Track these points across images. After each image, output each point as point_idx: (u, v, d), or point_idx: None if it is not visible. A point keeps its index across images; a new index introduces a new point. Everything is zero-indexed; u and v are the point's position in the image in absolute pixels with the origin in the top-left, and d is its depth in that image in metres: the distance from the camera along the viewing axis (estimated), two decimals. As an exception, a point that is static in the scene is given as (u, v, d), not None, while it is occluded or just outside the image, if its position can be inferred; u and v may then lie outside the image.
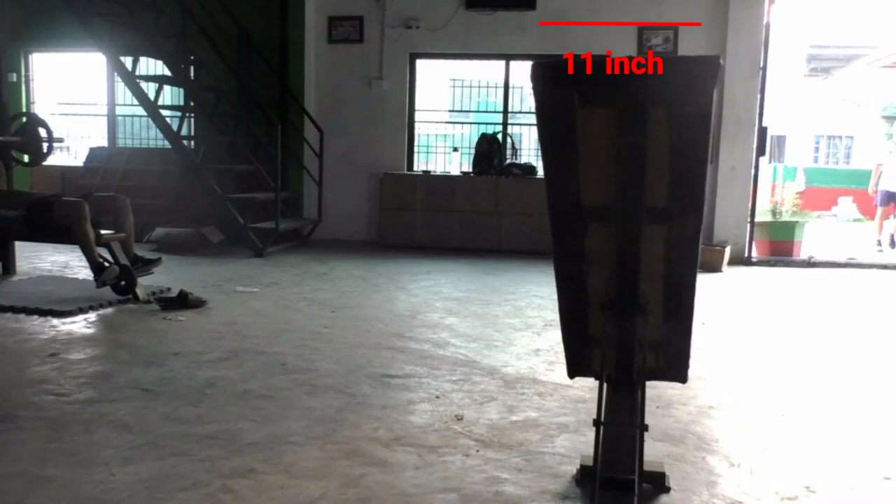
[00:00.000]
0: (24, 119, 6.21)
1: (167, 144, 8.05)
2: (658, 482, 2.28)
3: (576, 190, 1.60)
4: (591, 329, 1.87)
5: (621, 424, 1.83)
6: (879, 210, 10.89)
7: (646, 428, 1.86)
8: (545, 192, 1.64)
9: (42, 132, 5.77)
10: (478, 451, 2.65)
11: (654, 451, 2.62)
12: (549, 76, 1.48)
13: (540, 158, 1.99)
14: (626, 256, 1.68)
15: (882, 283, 7.28)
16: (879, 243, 10.56)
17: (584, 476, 2.21)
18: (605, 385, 1.80)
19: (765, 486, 2.38)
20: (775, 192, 18.18)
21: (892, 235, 10.67)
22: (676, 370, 1.95)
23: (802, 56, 30.28)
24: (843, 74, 34.13)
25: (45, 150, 5.78)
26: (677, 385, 3.43)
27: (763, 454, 2.66)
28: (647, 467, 2.30)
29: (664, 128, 1.47)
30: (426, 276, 6.57)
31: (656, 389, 3.33)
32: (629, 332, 1.83)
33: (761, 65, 7.94)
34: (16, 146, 5.84)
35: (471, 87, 9.72)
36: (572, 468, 2.46)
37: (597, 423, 1.83)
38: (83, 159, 9.29)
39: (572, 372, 2.07)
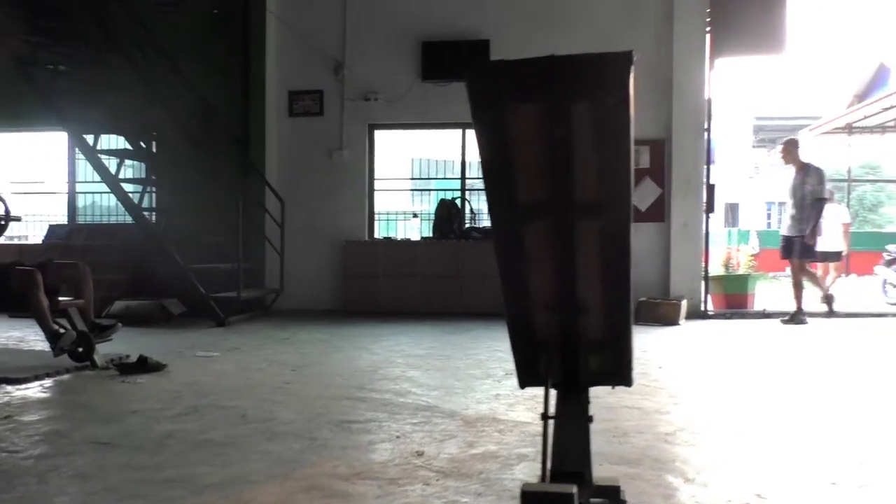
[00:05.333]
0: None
1: (128, 219, 8.08)
2: (613, 496, 2.31)
3: (512, 186, 1.71)
4: (536, 332, 1.95)
5: (566, 418, 1.89)
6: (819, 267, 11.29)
7: (590, 419, 1.91)
8: (485, 191, 1.74)
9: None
10: (438, 480, 2.66)
11: (610, 472, 2.66)
12: (480, 76, 1.61)
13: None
14: (563, 252, 1.77)
15: (832, 328, 7.50)
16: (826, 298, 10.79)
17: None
18: (549, 384, 1.87)
19: (718, 496, 2.43)
20: (731, 255, 18.63)
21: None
22: (621, 373, 2.02)
23: (749, 128, 31.61)
24: (789, 144, 35.45)
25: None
26: (634, 416, 3.53)
27: (717, 470, 2.72)
28: (601, 482, 2.33)
29: (588, 121, 1.59)
30: (389, 337, 6.60)
31: (613, 422, 3.40)
32: (572, 333, 1.91)
33: (705, 126, 8.32)
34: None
35: (429, 160, 10.00)
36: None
37: (544, 416, 1.89)
38: (42, 237, 9.25)
39: (523, 381, 2.13)
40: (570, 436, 1.85)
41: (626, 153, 1.61)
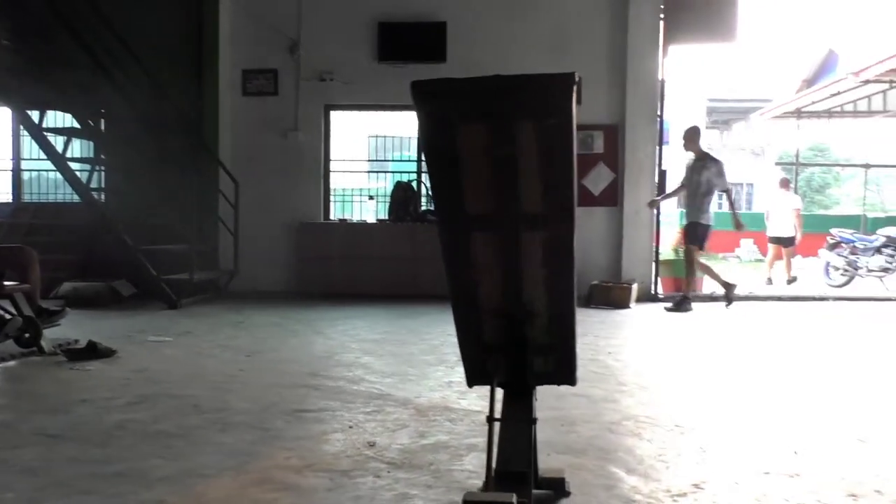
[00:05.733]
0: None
1: (76, 198, 7.90)
2: (558, 487, 2.40)
3: (459, 200, 1.75)
4: (484, 335, 2.00)
5: (511, 420, 1.95)
6: (770, 250, 11.70)
7: (534, 422, 1.97)
8: (433, 202, 1.77)
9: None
10: (389, 472, 2.71)
11: (556, 462, 2.74)
12: (428, 94, 1.63)
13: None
14: (510, 262, 1.82)
15: (775, 312, 7.74)
16: (769, 280, 11.48)
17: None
18: (495, 386, 1.93)
19: (658, 486, 2.53)
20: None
21: (787, 276, 11.45)
22: (565, 373, 2.09)
23: (703, 110, 32.11)
24: (741, 126, 36.23)
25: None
26: (582, 404, 3.63)
27: (658, 461, 2.82)
28: (547, 474, 2.42)
29: (532, 139, 1.63)
30: (344, 321, 6.61)
31: (562, 411, 3.49)
32: (519, 337, 1.97)
33: (658, 112, 8.45)
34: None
35: (385, 137, 9.95)
36: (479, 482, 2.55)
37: (489, 419, 1.94)
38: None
39: (471, 380, 2.18)
40: (515, 437, 1.91)
41: (569, 168, 1.66)
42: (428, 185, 9.06)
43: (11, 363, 4.73)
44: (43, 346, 4.94)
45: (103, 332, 5.81)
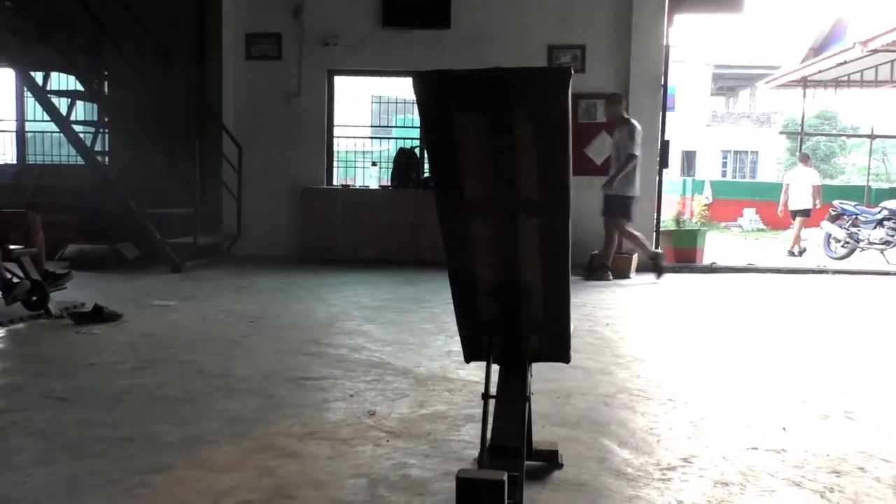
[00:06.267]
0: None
1: (81, 160, 7.93)
2: (552, 459, 2.48)
3: (459, 186, 1.80)
4: (481, 314, 2.07)
5: (506, 396, 2.02)
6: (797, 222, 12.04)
7: (528, 399, 2.04)
8: (434, 188, 1.83)
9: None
10: (388, 441, 2.80)
11: (551, 435, 2.83)
12: (430, 85, 1.67)
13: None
14: (507, 246, 1.88)
15: (775, 284, 7.81)
16: (792, 252, 11.66)
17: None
18: (491, 364, 2.00)
19: (648, 460, 2.61)
20: (685, 205, 19.06)
21: (793, 249, 11.62)
22: (559, 351, 2.17)
23: (708, 76, 31.82)
24: (747, 93, 35.96)
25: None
26: (578, 377, 3.70)
27: (650, 434, 2.90)
28: (541, 447, 2.50)
29: (529, 129, 1.68)
30: (346, 287, 6.69)
31: (558, 383, 3.57)
32: (515, 316, 2.03)
33: (662, 82, 8.41)
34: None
35: (388, 103, 9.92)
36: (475, 452, 2.63)
37: (485, 396, 2.02)
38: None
39: (468, 356, 2.26)
40: (509, 412, 1.99)
41: (565, 157, 1.71)
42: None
43: (20, 326, 4.82)
44: (50, 310, 5.03)
45: (108, 295, 5.90)
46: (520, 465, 1.88)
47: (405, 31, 8.45)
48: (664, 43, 8.39)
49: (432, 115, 1.70)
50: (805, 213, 11.91)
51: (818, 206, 11.96)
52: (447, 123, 1.70)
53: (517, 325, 2.04)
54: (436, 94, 1.68)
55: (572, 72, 1.58)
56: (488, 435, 2.02)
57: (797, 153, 15.91)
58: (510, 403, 1.99)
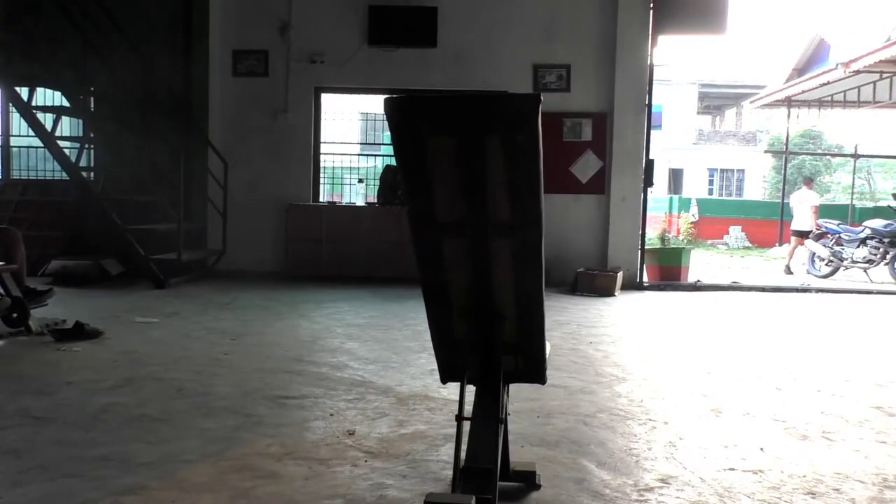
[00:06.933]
0: None
1: (65, 175, 7.90)
2: (529, 480, 2.48)
3: (430, 208, 1.81)
4: (456, 334, 2.07)
5: (480, 418, 2.02)
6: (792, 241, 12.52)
7: (502, 421, 2.04)
8: (406, 208, 1.84)
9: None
10: (366, 461, 2.79)
11: (530, 455, 2.83)
12: (401, 109, 1.69)
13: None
14: (480, 266, 1.88)
15: (759, 302, 7.85)
16: (788, 269, 11.98)
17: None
18: (465, 385, 2.00)
19: (626, 481, 2.61)
20: (672, 223, 19.18)
21: (788, 266, 12.08)
22: (534, 372, 2.17)
23: (694, 95, 32.11)
24: (733, 112, 36.30)
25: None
26: (560, 396, 3.71)
27: (629, 454, 2.90)
28: (518, 467, 2.50)
29: (500, 153, 1.69)
30: (330, 304, 6.68)
31: (539, 402, 3.57)
32: (489, 337, 2.04)
33: (647, 101, 8.49)
34: None
35: (376, 120, 9.95)
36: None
37: (458, 418, 2.02)
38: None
39: (444, 377, 2.25)
40: (483, 434, 1.99)
41: (536, 180, 1.72)
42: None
43: (0, 343, 4.78)
44: (31, 326, 4.99)
45: (91, 311, 5.86)
46: (493, 488, 1.87)
47: (391, 49, 8.49)
48: (648, 63, 8.48)
49: (404, 138, 1.72)
50: (806, 234, 12.20)
51: (814, 228, 12.23)
52: (419, 146, 1.71)
53: (491, 345, 2.04)
54: (407, 117, 1.69)
55: (541, 98, 1.60)
56: (463, 456, 2.01)
57: (782, 171, 16.23)
58: (484, 425, 1.99)
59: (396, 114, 1.68)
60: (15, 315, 4.96)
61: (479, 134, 1.67)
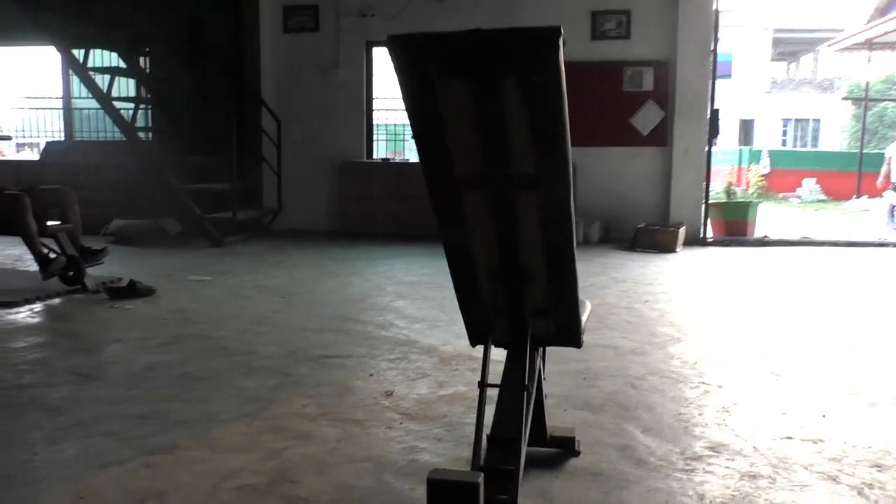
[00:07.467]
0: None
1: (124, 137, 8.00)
2: (568, 447, 2.36)
3: (446, 160, 1.66)
4: (483, 296, 1.94)
5: (504, 385, 1.90)
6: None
7: (527, 388, 1.90)
8: (420, 163, 1.70)
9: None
10: (401, 423, 2.71)
11: (572, 419, 2.70)
12: (405, 50, 1.53)
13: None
14: (504, 224, 1.73)
15: (831, 258, 7.44)
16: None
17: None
18: (489, 349, 1.88)
19: (673, 449, 2.46)
20: (741, 175, 18.45)
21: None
22: (569, 336, 2.02)
23: (768, 41, 30.61)
24: (809, 58, 34.50)
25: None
26: (609, 357, 3.56)
27: (677, 419, 2.74)
28: (557, 433, 2.37)
29: (518, 96, 1.52)
30: (383, 262, 6.63)
31: (586, 363, 3.43)
32: (517, 299, 1.90)
33: (712, 48, 8.05)
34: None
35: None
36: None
37: (481, 385, 1.90)
38: (39, 153, 9.22)
39: (474, 340, 2.13)
40: (510, 402, 1.86)
41: (560, 128, 1.55)
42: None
43: (56, 301, 4.88)
44: (86, 285, 5.09)
45: (147, 269, 5.96)
46: (517, 459, 1.75)
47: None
48: (714, 7, 8.01)
49: (410, 82, 1.56)
50: None
51: None
52: (428, 91, 1.55)
53: (518, 308, 1.90)
54: (412, 58, 1.53)
55: (562, 30, 1.42)
56: (487, 426, 1.90)
57: (862, 120, 15.27)
58: (510, 392, 1.86)
59: (400, 54, 1.53)
60: (71, 273, 5.06)
61: (494, 75, 1.50)
